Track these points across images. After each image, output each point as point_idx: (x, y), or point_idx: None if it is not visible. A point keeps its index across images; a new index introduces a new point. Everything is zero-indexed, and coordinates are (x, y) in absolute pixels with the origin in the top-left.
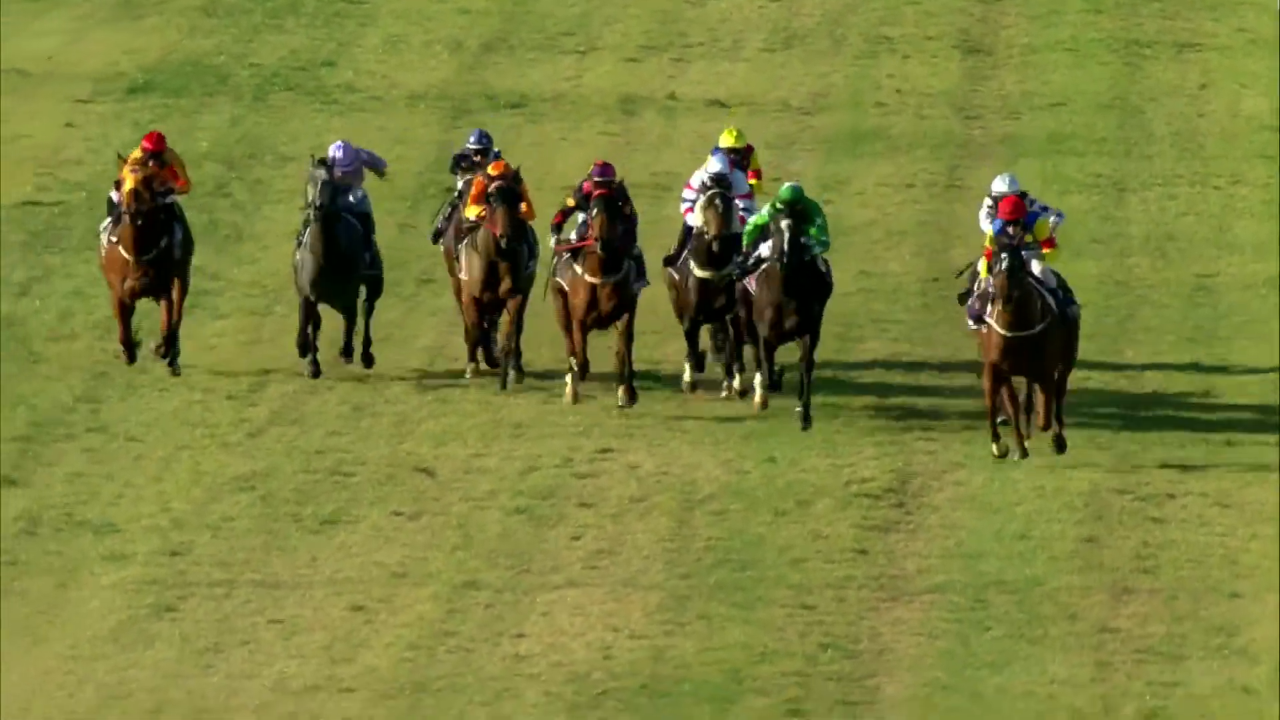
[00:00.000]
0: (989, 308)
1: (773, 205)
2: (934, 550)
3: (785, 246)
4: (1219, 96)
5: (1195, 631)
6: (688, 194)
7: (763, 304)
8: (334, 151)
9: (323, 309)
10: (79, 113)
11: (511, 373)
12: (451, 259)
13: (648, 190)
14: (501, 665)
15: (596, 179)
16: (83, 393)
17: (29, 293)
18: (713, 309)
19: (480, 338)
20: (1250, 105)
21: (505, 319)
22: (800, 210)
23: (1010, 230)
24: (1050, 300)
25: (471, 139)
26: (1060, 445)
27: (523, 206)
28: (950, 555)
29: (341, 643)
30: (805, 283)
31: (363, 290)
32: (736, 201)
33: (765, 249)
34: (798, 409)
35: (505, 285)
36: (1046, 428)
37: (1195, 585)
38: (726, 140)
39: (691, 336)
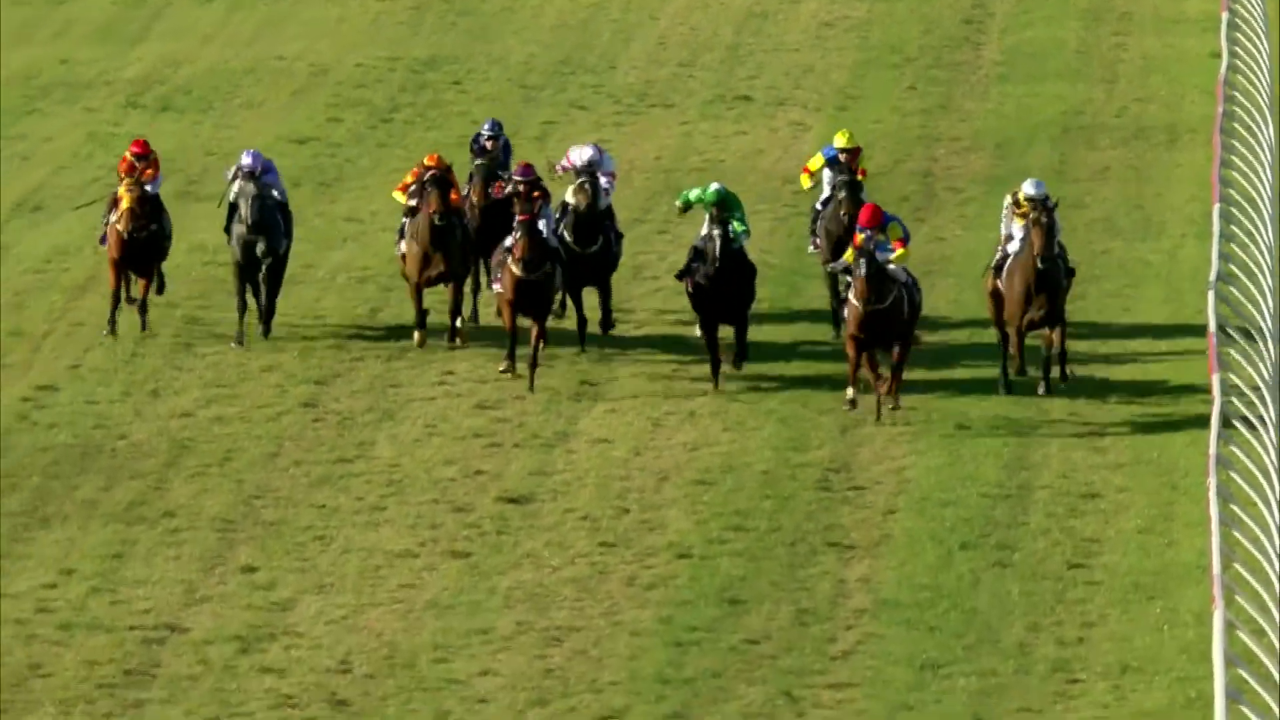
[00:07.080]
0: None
1: (701, 202)
2: None
3: (718, 253)
4: None
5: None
6: (565, 163)
7: (702, 295)
8: (246, 159)
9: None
10: None
11: (458, 339)
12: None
13: None
14: None
15: (518, 179)
16: None
17: None
18: (586, 275)
19: (420, 311)
20: None
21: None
22: (725, 216)
23: (869, 234)
24: (900, 284)
25: (485, 126)
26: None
27: (453, 195)
28: None
29: None
30: (735, 274)
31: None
32: (602, 180)
33: (702, 244)
34: (730, 364)
35: (439, 269)
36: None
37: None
38: (840, 141)
39: (574, 296)
